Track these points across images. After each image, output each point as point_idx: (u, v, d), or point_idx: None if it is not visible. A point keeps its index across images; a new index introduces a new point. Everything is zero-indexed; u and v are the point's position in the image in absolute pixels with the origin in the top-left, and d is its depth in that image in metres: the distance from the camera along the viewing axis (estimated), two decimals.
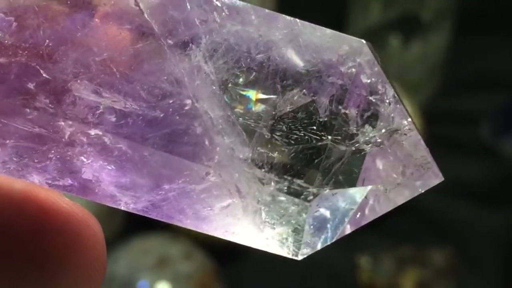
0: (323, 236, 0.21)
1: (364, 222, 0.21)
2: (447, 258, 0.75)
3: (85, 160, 0.20)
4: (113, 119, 0.20)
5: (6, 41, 0.19)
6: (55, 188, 0.21)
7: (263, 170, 0.20)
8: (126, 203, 0.21)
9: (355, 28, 0.83)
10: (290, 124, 0.20)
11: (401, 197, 0.21)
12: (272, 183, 0.20)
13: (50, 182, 0.20)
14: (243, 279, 0.75)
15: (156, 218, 0.21)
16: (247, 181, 0.20)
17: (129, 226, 0.74)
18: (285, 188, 0.20)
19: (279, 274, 0.71)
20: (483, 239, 0.78)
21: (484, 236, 0.78)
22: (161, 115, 0.20)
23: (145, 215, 0.21)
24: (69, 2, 0.20)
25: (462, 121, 0.83)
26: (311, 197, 0.20)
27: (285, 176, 0.20)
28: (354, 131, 0.20)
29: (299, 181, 0.20)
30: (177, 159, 0.20)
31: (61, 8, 0.20)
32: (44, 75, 0.19)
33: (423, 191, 0.21)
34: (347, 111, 0.20)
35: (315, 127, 0.20)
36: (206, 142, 0.20)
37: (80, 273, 0.20)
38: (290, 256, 0.21)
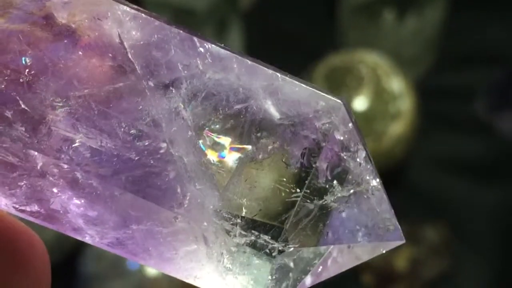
0: (283, 286, 0.21)
1: (325, 276, 0.21)
2: (441, 235, 0.75)
3: (55, 191, 0.20)
4: (87, 155, 0.20)
5: None
6: (22, 213, 0.20)
7: (230, 222, 0.20)
8: (92, 237, 0.21)
9: (348, 3, 0.82)
10: (261, 175, 0.20)
11: (365, 255, 0.21)
12: (239, 236, 0.20)
13: (17, 206, 0.20)
14: None
15: (120, 254, 0.21)
16: (214, 231, 0.20)
17: None
18: (251, 242, 0.20)
19: None
20: (477, 215, 0.78)
21: (478, 213, 0.78)
22: (135, 157, 0.20)
23: (110, 250, 0.21)
24: (53, 30, 0.20)
25: (457, 96, 0.83)
26: (276, 253, 0.20)
27: (253, 231, 0.20)
28: (323, 185, 0.20)
29: (265, 237, 0.20)
30: (147, 202, 0.20)
31: (45, 35, 0.19)
32: (22, 105, 0.19)
33: (384, 252, 0.21)
34: (317, 165, 0.20)
35: (285, 179, 0.20)
36: (178, 188, 0.20)
37: None
38: None
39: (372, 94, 0.73)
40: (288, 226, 0.20)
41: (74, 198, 0.20)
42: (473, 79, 0.83)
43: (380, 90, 0.74)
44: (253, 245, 0.20)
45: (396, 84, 0.74)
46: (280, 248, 0.20)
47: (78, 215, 0.20)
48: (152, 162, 0.20)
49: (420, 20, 0.82)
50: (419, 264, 0.74)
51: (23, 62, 0.19)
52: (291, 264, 0.21)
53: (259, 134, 0.20)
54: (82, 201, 0.20)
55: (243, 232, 0.20)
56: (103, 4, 0.20)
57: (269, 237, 0.20)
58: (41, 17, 0.20)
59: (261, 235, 0.20)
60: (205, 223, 0.20)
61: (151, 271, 0.69)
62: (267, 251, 0.20)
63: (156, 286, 0.69)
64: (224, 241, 0.20)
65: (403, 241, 0.21)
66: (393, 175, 0.78)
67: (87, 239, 0.21)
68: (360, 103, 0.73)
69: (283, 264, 0.20)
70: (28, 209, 0.20)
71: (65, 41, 0.20)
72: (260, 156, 0.20)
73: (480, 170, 0.80)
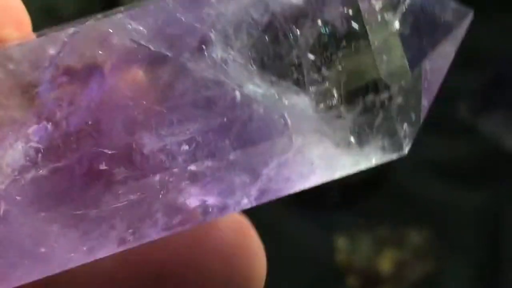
0: (405, 125, 0.22)
1: (431, 92, 0.22)
2: (425, 238, 0.75)
3: (182, 196, 0.20)
4: (186, 148, 0.20)
5: (55, 146, 0.19)
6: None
7: (333, 109, 0.20)
8: (241, 202, 0.21)
9: None
10: (325, 55, 0.20)
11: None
12: (346, 114, 0.20)
13: (164, 226, 0.21)
14: None
15: (272, 198, 0.21)
16: (327, 124, 0.20)
17: None
18: (361, 110, 0.21)
19: None
20: (461, 217, 0.78)
21: (463, 215, 0.78)
22: (222, 119, 0.20)
23: (263, 202, 0.21)
24: (78, 77, 0.19)
25: (441, 99, 0.83)
26: (386, 104, 0.21)
27: (354, 101, 0.20)
28: (383, 17, 0.20)
29: (370, 95, 0.21)
30: (259, 146, 0.20)
31: (75, 86, 0.19)
32: (107, 152, 0.19)
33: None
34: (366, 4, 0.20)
35: (339, 42, 0.20)
36: (275, 116, 0.20)
37: None
38: (397, 156, 0.22)
39: None
40: (385, 72, 0.21)
41: (201, 187, 0.20)
42: (457, 81, 0.83)
43: None
44: (363, 113, 0.21)
45: None
46: (388, 96, 0.21)
47: (217, 200, 0.21)
48: (238, 113, 0.20)
49: None
50: (403, 266, 0.74)
51: (76, 119, 0.19)
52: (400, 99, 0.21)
53: (296, 26, 0.20)
54: (209, 185, 0.20)
55: (347, 107, 0.20)
56: (101, 25, 0.20)
57: (373, 93, 0.21)
58: (62, 75, 0.19)
59: (365, 96, 0.20)
60: (314, 123, 0.20)
61: None
62: (377, 106, 0.21)
63: None
64: (339, 126, 0.20)
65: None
66: (377, 177, 0.77)
67: (242, 205, 0.21)
68: None
69: (395, 105, 0.21)
70: (174, 222, 0.21)
71: (94, 79, 0.19)
72: (311, 41, 0.20)
73: (464, 173, 0.80)
